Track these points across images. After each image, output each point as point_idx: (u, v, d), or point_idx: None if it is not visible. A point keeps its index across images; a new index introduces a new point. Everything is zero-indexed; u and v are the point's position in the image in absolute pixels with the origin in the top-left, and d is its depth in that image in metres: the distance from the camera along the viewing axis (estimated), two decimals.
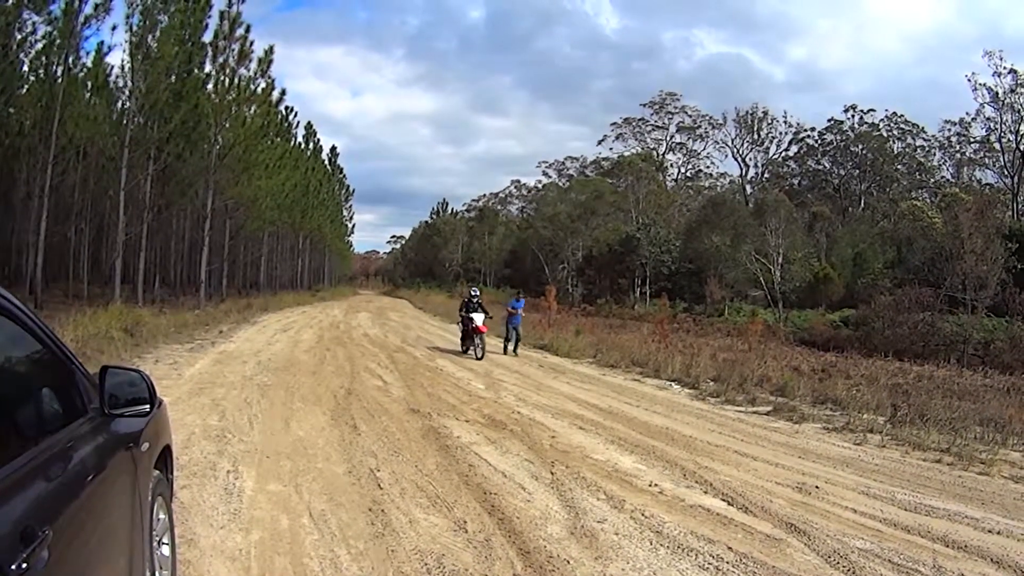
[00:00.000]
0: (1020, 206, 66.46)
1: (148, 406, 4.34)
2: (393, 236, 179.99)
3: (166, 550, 5.06)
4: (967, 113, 75.42)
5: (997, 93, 66.80)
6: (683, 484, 9.65)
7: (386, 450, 10.45)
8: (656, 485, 9.48)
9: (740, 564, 6.96)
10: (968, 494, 9.99)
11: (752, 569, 6.86)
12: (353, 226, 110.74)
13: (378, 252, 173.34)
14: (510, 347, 25.53)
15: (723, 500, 9.02)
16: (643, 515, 8.22)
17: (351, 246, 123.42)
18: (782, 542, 7.66)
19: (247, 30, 40.71)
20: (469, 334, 23.90)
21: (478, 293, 25.56)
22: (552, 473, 9.71)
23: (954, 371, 27.49)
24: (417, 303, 64.45)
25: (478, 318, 23.69)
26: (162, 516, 4.98)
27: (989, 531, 8.35)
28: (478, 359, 22.74)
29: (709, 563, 6.94)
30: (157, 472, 4.95)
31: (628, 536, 7.53)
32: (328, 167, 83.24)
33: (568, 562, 6.71)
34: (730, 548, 7.35)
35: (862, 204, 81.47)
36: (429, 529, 7.34)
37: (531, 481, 9.30)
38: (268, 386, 15.35)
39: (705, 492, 9.35)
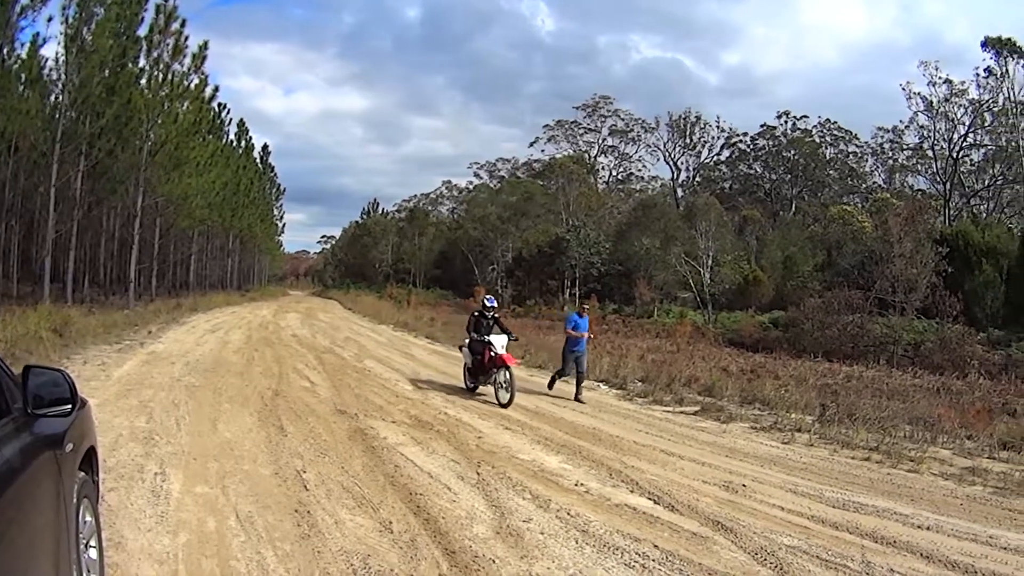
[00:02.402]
0: (952, 212, 67.88)
1: (70, 406, 4.29)
2: (323, 236, 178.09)
3: (93, 553, 4.98)
4: (900, 121, 77.29)
5: (931, 102, 68.28)
6: (609, 483, 9.69)
7: (312, 451, 10.37)
8: (582, 484, 9.52)
9: (667, 562, 6.98)
10: (897, 491, 10.13)
11: (679, 567, 6.88)
12: (283, 226, 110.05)
13: (308, 252, 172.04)
14: (568, 382, 17.66)
15: (649, 499, 9.05)
16: (569, 514, 8.23)
17: (281, 246, 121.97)
18: (709, 540, 7.69)
19: (182, 24, 39.88)
20: (484, 366, 16.28)
21: (495, 304, 17.41)
22: (478, 473, 9.71)
23: (884, 372, 27.94)
24: (347, 304, 63.85)
25: (500, 343, 16.19)
26: (88, 518, 4.88)
27: (919, 527, 8.47)
28: (502, 405, 15.23)
29: (635, 561, 6.96)
30: (82, 474, 4.85)
31: (554, 535, 7.53)
32: (259, 165, 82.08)
33: (494, 561, 6.71)
34: (656, 546, 7.36)
35: (793, 208, 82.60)
36: (355, 530, 7.31)
37: (457, 481, 9.28)
38: (196, 387, 15.11)
39: (631, 491, 9.37)
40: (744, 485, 9.90)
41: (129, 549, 6.36)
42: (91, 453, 5.29)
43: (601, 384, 19.50)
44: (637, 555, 7.10)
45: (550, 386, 17.99)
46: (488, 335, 16.53)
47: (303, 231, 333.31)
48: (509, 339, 16.80)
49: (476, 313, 17.42)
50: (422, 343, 29.95)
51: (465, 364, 17.66)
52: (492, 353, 16.19)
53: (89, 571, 4.73)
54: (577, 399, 16.79)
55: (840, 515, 8.72)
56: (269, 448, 10.40)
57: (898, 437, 13.56)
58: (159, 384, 15.13)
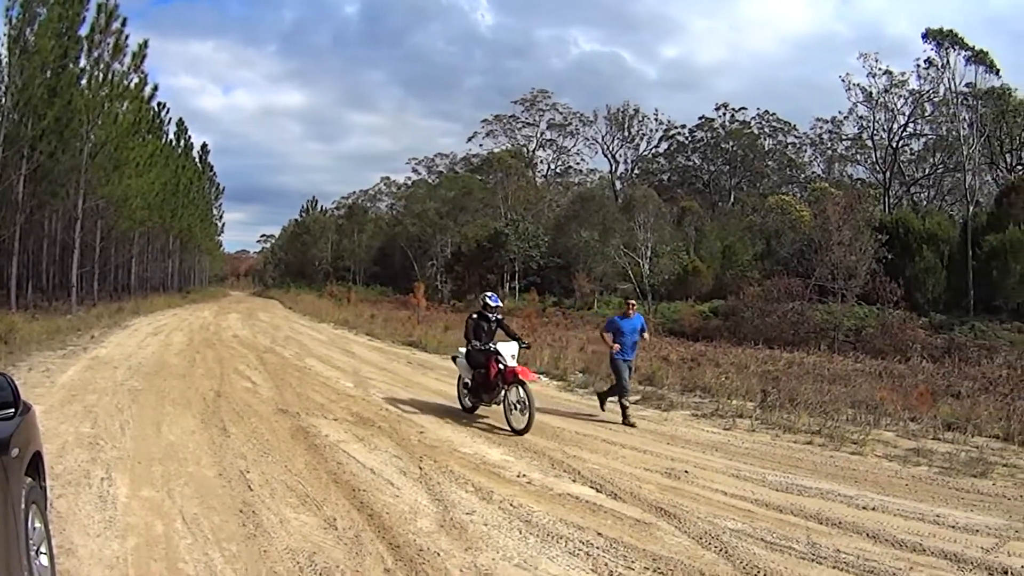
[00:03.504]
0: (891, 200, 68.99)
1: (12, 410, 4.29)
2: (263, 235, 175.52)
3: (44, 560, 4.90)
4: (840, 112, 77.93)
5: (871, 93, 69.01)
6: (551, 474, 9.72)
7: (256, 451, 10.29)
8: (524, 475, 9.55)
9: (611, 549, 7.02)
10: (841, 473, 10.21)
11: (623, 553, 6.92)
12: (223, 225, 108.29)
13: (248, 252, 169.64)
14: (617, 400, 14.05)
15: (592, 488, 9.08)
16: (512, 505, 8.26)
17: (221, 246, 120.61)
18: (652, 526, 7.73)
19: (123, 23, 39.30)
20: (490, 382, 13.21)
21: (499, 302, 13.99)
22: (420, 468, 9.70)
23: (825, 357, 28.23)
24: (287, 303, 63.43)
25: (509, 351, 13.09)
26: (38, 525, 4.79)
27: (864, 508, 8.54)
28: (516, 431, 12.27)
29: (579, 549, 7.00)
30: (30, 479, 4.77)
31: (497, 526, 7.56)
32: (199, 165, 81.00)
33: (438, 554, 6.73)
34: (600, 534, 7.41)
35: (732, 199, 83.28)
36: (300, 528, 7.30)
37: (400, 476, 9.28)
38: (139, 391, 14.86)
39: (573, 480, 9.41)
40: (686, 471, 9.94)
41: (80, 555, 6.34)
42: (37, 459, 5.22)
43: (542, 376, 19.37)
44: (581, 543, 7.13)
45: (603, 404, 14.53)
46: (491, 341, 13.43)
47: (243, 230, 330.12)
48: (520, 346, 13.48)
49: (475, 315, 13.86)
50: (362, 340, 29.81)
51: (461, 379, 14.25)
52: (501, 366, 12.89)
53: None
54: (626, 422, 13.44)
55: (784, 498, 8.77)
56: (213, 449, 10.32)
57: (840, 421, 13.66)
58: (103, 389, 14.88)
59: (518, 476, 9.51)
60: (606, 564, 6.68)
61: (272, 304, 66.48)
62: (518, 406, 12.42)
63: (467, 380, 13.96)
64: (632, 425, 13.28)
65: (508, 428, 12.36)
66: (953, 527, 7.93)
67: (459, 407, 14.22)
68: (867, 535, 7.52)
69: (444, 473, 9.49)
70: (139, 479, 8.65)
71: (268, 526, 7.29)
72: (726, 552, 7.03)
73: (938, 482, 9.91)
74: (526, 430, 12.06)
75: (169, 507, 7.72)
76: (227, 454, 10.04)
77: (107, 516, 7.33)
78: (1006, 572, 6.75)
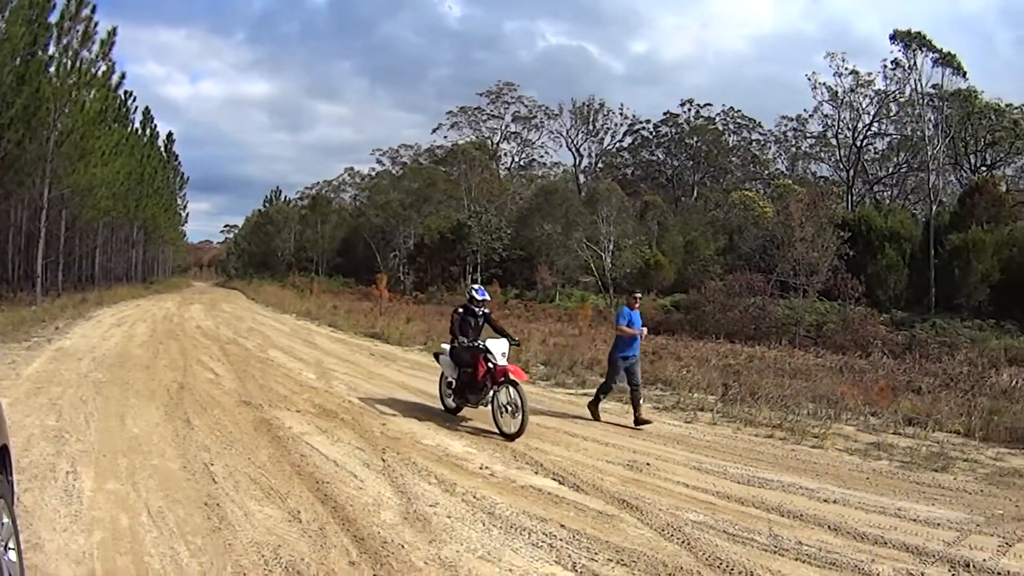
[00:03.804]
0: (855, 198, 69.64)
1: None
2: (226, 225, 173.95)
3: (13, 555, 4.87)
4: (805, 110, 78.19)
5: (836, 92, 69.48)
6: (514, 466, 9.76)
7: (219, 443, 10.24)
8: (487, 467, 9.58)
9: (574, 541, 7.06)
10: (802, 466, 10.31)
11: (586, 545, 6.96)
12: (187, 215, 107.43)
13: (211, 242, 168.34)
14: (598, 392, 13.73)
15: (554, 480, 9.13)
16: (475, 497, 8.30)
17: (184, 236, 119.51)
18: (615, 518, 7.77)
19: (92, 10, 38.58)
20: (477, 382, 12.35)
21: (486, 296, 13.23)
22: (383, 460, 9.71)
23: (786, 352, 28.29)
24: (250, 294, 63.14)
25: (499, 349, 12.31)
26: (6, 520, 4.78)
27: (825, 500, 8.62)
28: (506, 436, 11.42)
29: (543, 541, 7.04)
30: None
31: (461, 519, 7.59)
32: (164, 154, 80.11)
33: (403, 547, 6.74)
34: (563, 526, 7.45)
35: (695, 194, 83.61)
36: (264, 521, 7.29)
37: (363, 469, 9.30)
38: (103, 383, 14.70)
39: (536, 472, 9.44)
40: (648, 464, 10.01)
41: (47, 550, 6.31)
42: (4, 453, 5.16)
43: None
44: (544, 535, 7.18)
45: (593, 409, 13.47)
46: (479, 338, 12.69)
47: (206, 220, 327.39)
48: (511, 344, 12.74)
49: (460, 309, 13.04)
50: (325, 331, 29.72)
51: (444, 378, 13.43)
52: (490, 365, 12.06)
53: (9, 573, 4.67)
54: (638, 423, 12.74)
55: (745, 491, 8.83)
56: (176, 442, 10.24)
57: (801, 415, 13.75)
58: (68, 381, 14.72)
59: (480, 468, 9.53)
60: (569, 556, 6.70)
61: (235, 295, 66.21)
62: (509, 408, 11.61)
63: (451, 379, 12.99)
64: (597, 419, 13.10)
65: (497, 432, 11.53)
66: (915, 520, 8.01)
67: (421, 400, 14.27)
68: (829, 528, 7.59)
69: (407, 465, 9.50)
70: (104, 472, 8.60)
71: (233, 519, 7.27)
72: (688, 544, 7.07)
73: (899, 476, 10.00)
74: (518, 434, 11.21)
75: (134, 500, 7.68)
76: (191, 446, 9.98)
77: (73, 510, 7.28)
78: (968, 565, 6.82)
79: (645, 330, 13.56)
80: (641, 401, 13.07)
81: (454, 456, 10.15)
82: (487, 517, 7.64)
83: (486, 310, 13.06)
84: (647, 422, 12.72)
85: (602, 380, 14.05)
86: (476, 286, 13.49)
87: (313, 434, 11.04)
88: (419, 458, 9.87)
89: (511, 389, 11.66)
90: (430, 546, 6.78)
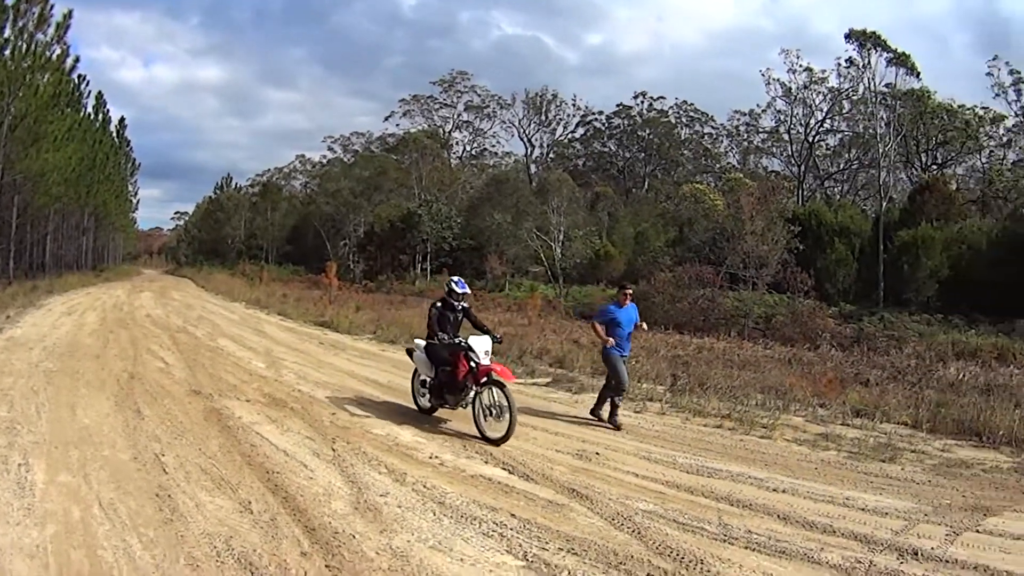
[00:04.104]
0: (805, 193, 70.45)
1: None
2: (177, 212, 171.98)
3: None
4: (758, 105, 79.15)
5: (790, 88, 70.46)
6: (463, 455, 9.81)
7: (170, 434, 10.17)
8: (436, 457, 9.62)
9: (524, 530, 7.13)
10: (751, 456, 10.39)
11: (537, 534, 7.03)
12: (137, 202, 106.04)
13: (162, 229, 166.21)
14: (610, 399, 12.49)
15: (504, 469, 9.18)
16: (425, 487, 8.34)
17: (135, 223, 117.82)
18: (565, 507, 7.84)
19: None
20: (457, 382, 11.35)
21: (466, 289, 12.19)
22: (333, 449, 9.73)
23: (735, 343, 28.50)
24: (199, 282, 62.40)
25: (482, 347, 11.30)
26: None
27: (774, 490, 8.71)
28: (490, 440, 10.55)
29: (493, 530, 7.10)
30: None
31: (411, 508, 7.64)
32: (116, 139, 78.87)
33: (354, 537, 6.78)
34: (513, 515, 7.52)
35: (646, 186, 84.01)
36: (216, 512, 7.28)
37: (313, 458, 9.31)
38: (54, 372, 14.52)
39: (486, 462, 9.50)
40: (597, 453, 10.08)
41: (0, 544, 6.32)
42: None
43: None
44: (495, 524, 7.25)
45: (596, 412, 12.52)
46: (458, 334, 11.74)
47: (157, 207, 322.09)
48: (494, 341, 11.60)
49: (438, 304, 12.02)
50: (274, 320, 29.51)
51: (417, 375, 12.59)
52: (472, 364, 11.14)
53: None
54: (612, 420, 12.13)
55: (695, 480, 8.91)
56: (127, 432, 10.16)
57: (750, 405, 13.85)
58: (18, 371, 14.51)
59: (430, 457, 9.57)
60: (520, 545, 6.76)
61: (185, 283, 65.52)
62: (493, 411, 10.74)
63: (427, 377, 12.07)
64: (618, 428, 11.87)
65: (479, 435, 10.71)
66: (863, 510, 8.12)
67: (371, 389, 14.24)
68: (778, 517, 7.68)
69: (357, 454, 9.52)
70: (56, 464, 8.55)
71: (184, 510, 7.26)
72: (639, 533, 7.14)
73: (847, 466, 10.11)
74: (504, 439, 10.35)
75: (86, 492, 7.65)
76: (141, 437, 9.92)
77: (25, 503, 7.28)
78: (916, 553, 6.95)
79: (645, 324, 13.09)
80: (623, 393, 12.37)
81: (404, 445, 10.14)
82: (437, 507, 7.69)
83: (465, 304, 12.13)
84: (618, 427, 11.87)
85: (564, 369, 13.99)
86: (456, 278, 12.33)
87: (263, 424, 11.00)
88: (369, 447, 9.89)
89: (495, 390, 10.82)
90: (381, 536, 6.81)
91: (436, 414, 12.12)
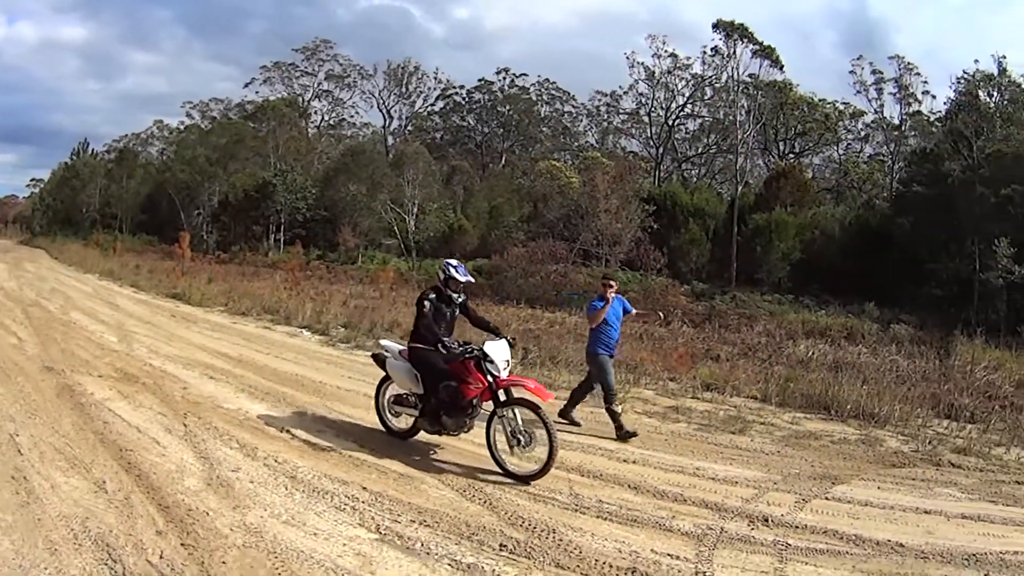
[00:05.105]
0: (662, 174, 71.65)
1: None
2: (33, 179, 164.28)
3: None
4: (620, 86, 79.86)
5: (654, 72, 71.30)
6: (315, 429, 9.75)
7: (23, 412, 9.82)
8: (288, 431, 9.56)
9: (376, 503, 7.21)
10: (601, 429, 10.55)
11: (389, 507, 7.13)
12: None
13: (17, 197, 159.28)
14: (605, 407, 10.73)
15: (355, 442, 9.19)
16: (276, 461, 8.32)
17: None
18: (416, 480, 7.96)
19: None
20: (462, 399, 8.77)
21: (468, 276, 9.71)
22: (185, 425, 9.58)
23: (586, 318, 28.82)
24: (54, 253, 60.08)
25: (500, 355, 8.90)
26: None
27: (624, 461, 8.96)
28: (517, 477, 8.19)
29: (345, 504, 7.16)
30: None
31: (263, 483, 7.64)
32: None
33: (207, 514, 6.76)
34: (365, 488, 7.60)
35: (503, 161, 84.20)
36: (71, 493, 7.13)
37: (165, 435, 9.16)
38: None
39: (336, 435, 9.47)
40: None
41: None
42: None
43: (304, 330, 19.41)
44: (347, 498, 7.30)
45: (568, 414, 11.08)
46: (488, 345, 8.89)
47: (12, 173, 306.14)
48: (511, 346, 9.28)
49: (432, 295, 9.50)
50: (127, 292, 28.69)
51: (385, 386, 10.03)
52: (491, 378, 8.68)
53: None
54: (622, 434, 10.21)
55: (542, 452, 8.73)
56: None
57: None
58: None
59: (281, 432, 9.51)
60: (372, 518, 6.84)
61: (39, 254, 63.19)
62: (521, 439, 8.32)
63: (408, 393, 9.41)
64: (633, 435, 10.17)
65: (500, 470, 8.36)
66: (713, 479, 8.42)
67: (221, 363, 14.09)
68: (629, 486, 7.89)
69: (208, 430, 9.43)
70: None
71: (40, 492, 7.11)
72: (490, 504, 7.29)
73: (697, 438, 10.44)
74: (540, 475, 8.07)
75: None
76: None
77: None
78: (766, 520, 7.25)
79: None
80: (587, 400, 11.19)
81: (255, 420, 10.07)
82: (289, 481, 7.70)
83: (465, 301, 9.80)
84: (576, 424, 10.80)
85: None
86: (454, 262, 9.82)
87: (115, 400, 10.74)
88: (220, 422, 9.79)
89: (519, 411, 8.49)
90: (234, 512, 6.81)
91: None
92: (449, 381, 8.79)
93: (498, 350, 8.77)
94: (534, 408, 8.31)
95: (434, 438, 9.14)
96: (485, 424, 8.54)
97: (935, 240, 38.25)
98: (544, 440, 8.06)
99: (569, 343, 18.45)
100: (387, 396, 9.82)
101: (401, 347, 9.74)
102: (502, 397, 8.52)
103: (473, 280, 9.88)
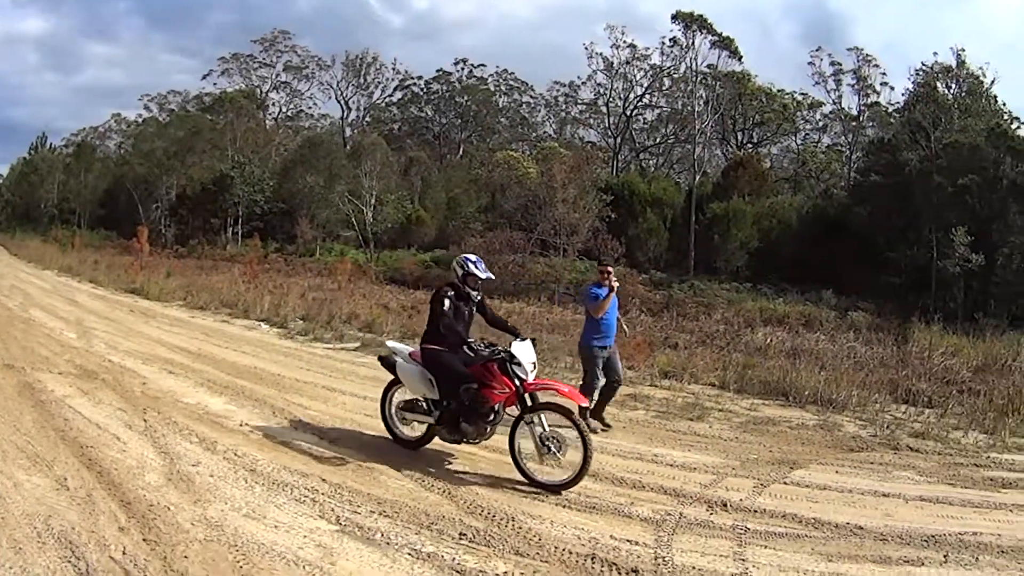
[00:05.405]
0: (620, 164, 71.96)
1: None
2: None
3: None
4: (578, 77, 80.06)
5: (612, 63, 71.59)
6: (273, 421, 9.80)
7: None
8: (247, 424, 9.57)
9: (336, 494, 7.24)
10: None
11: (348, 498, 7.17)
12: None
13: None
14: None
15: (313, 435, 9.20)
16: (236, 455, 8.31)
17: None
18: (375, 470, 7.99)
19: None
20: (484, 404, 8.20)
21: (489, 274, 9.14)
22: (145, 420, 9.52)
23: (545, 308, 29.17)
24: (12, 249, 59.77)
25: (528, 357, 8.41)
26: None
27: None
28: (547, 486, 7.69)
29: (306, 496, 7.19)
30: None
31: (223, 477, 7.63)
32: None
33: (169, 508, 6.74)
34: (324, 480, 7.61)
35: (461, 152, 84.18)
36: (33, 491, 7.06)
37: (125, 430, 9.09)
38: None
39: (295, 428, 9.50)
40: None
41: None
42: None
43: (262, 323, 19.41)
44: (307, 490, 7.33)
45: (598, 415, 10.35)
46: (514, 345, 8.42)
47: None
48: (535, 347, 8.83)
49: (449, 291, 8.73)
50: (86, 288, 28.58)
51: (392, 391, 9.33)
52: (518, 381, 8.17)
53: None
54: (600, 419, 10.24)
55: (502, 441, 8.44)
56: None
57: (558, 368, 14.27)
58: None
59: (240, 425, 9.52)
60: (332, 509, 6.87)
61: None
62: (551, 446, 7.81)
63: (422, 399, 8.77)
64: (607, 427, 10.16)
65: (524, 479, 7.88)
66: (671, 465, 8.53)
67: (179, 357, 14.03)
68: (587, 474, 7.83)
69: (168, 425, 9.38)
70: None
71: (3, 491, 7.02)
72: (449, 493, 7.34)
73: (655, 425, 10.58)
74: (572, 483, 7.65)
75: None
76: None
77: None
78: (725, 505, 7.35)
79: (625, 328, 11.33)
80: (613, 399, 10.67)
81: (214, 414, 10.06)
82: (249, 474, 7.70)
83: (481, 298, 9.11)
84: (607, 427, 10.18)
85: (373, 333, 13.65)
86: (472, 256, 9.14)
87: (75, 396, 10.67)
88: (180, 417, 9.74)
89: (546, 416, 8.01)
90: (195, 507, 6.80)
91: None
92: (469, 384, 8.26)
93: (525, 351, 8.33)
94: (566, 413, 7.91)
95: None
96: (508, 430, 8.09)
97: (893, 229, 38.94)
98: (576, 444, 7.63)
99: (527, 332, 18.53)
100: (395, 402, 9.19)
101: (410, 348, 9.25)
102: (528, 402, 8.08)
103: (493, 277, 9.54)
